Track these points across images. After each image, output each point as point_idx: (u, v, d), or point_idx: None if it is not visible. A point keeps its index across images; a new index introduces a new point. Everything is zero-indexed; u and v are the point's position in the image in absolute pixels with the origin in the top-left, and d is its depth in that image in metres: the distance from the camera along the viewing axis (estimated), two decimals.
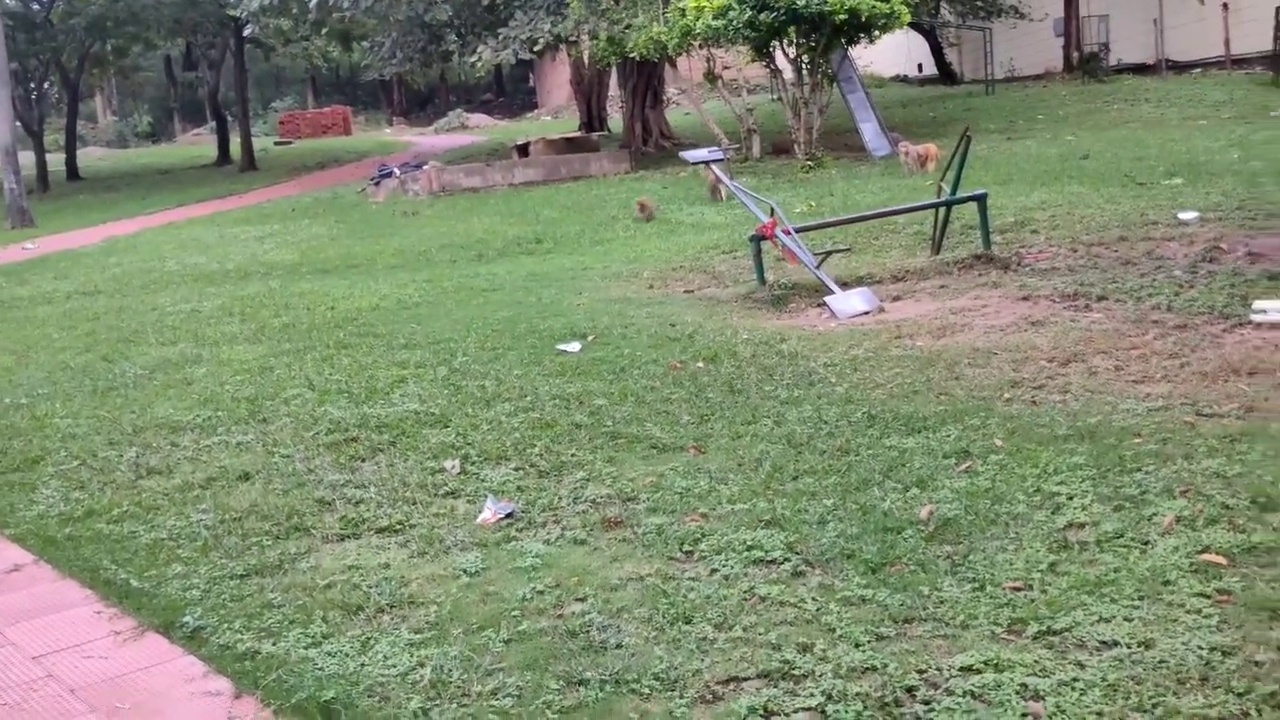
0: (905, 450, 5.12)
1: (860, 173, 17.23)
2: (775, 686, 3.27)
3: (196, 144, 48.87)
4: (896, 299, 8.60)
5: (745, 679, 3.33)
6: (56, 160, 39.17)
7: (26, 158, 32.22)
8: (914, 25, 30.07)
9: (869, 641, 3.46)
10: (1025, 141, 18.44)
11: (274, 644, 3.77)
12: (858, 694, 3.16)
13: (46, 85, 40.20)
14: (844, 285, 8.90)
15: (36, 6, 35.30)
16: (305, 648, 3.73)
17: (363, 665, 3.58)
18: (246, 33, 36.86)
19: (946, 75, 35.33)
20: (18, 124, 29.84)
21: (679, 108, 34.95)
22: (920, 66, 37.67)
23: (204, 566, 4.47)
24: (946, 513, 4.35)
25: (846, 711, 3.08)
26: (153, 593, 4.26)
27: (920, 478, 4.76)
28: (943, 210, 9.79)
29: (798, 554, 4.14)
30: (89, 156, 44.57)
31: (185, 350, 8.83)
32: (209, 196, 26.81)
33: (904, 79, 37.72)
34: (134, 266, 15.39)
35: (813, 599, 3.77)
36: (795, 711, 3.13)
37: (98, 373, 8.25)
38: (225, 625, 3.93)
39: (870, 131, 20.09)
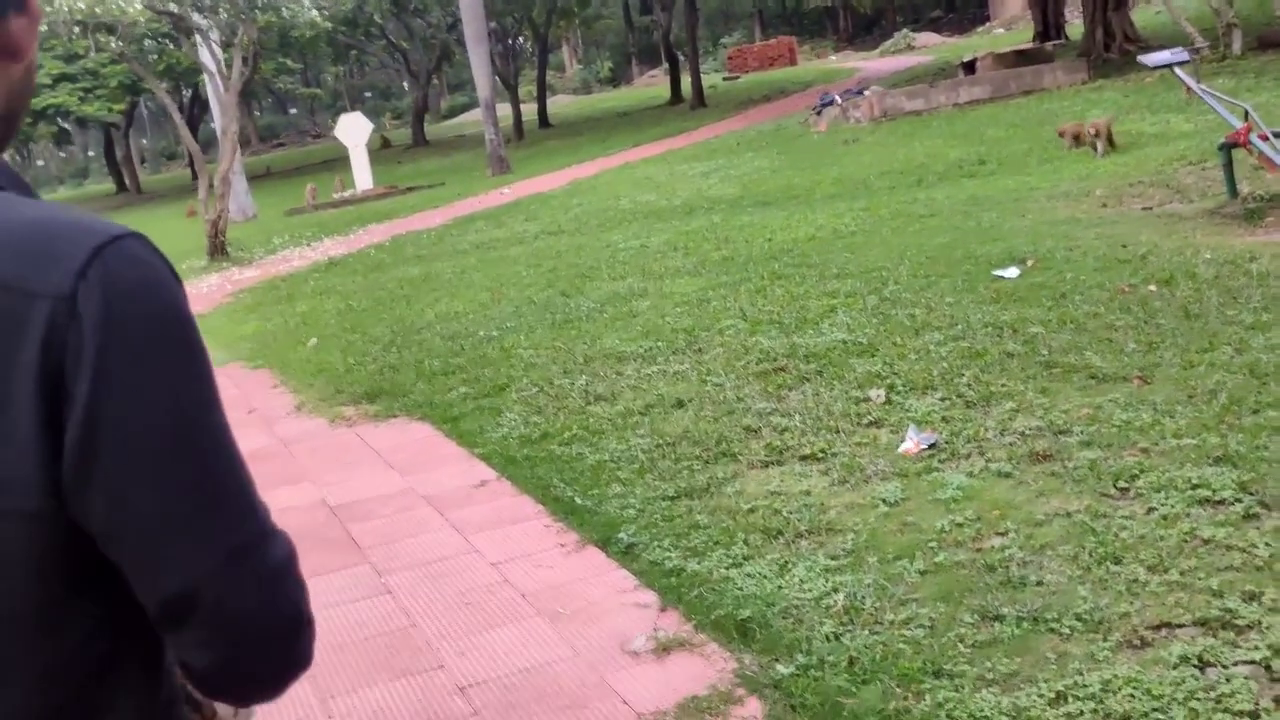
0: None
1: None
2: (1214, 636, 3.00)
3: (652, 85, 51.27)
4: None
5: (1179, 626, 3.09)
6: (529, 110, 42.63)
7: (503, 109, 35.36)
8: None
9: None
10: None
11: (698, 563, 3.97)
12: None
13: (520, 40, 43.77)
14: None
15: None
16: (726, 568, 3.90)
17: (779, 587, 3.68)
18: None
19: None
20: (496, 79, 32.74)
21: (1147, 6, 32.04)
22: None
23: (639, 487, 4.77)
24: None
25: None
26: (594, 510, 4.62)
27: None
28: None
29: (1252, 494, 3.75)
30: (557, 104, 48.12)
31: (633, 284, 9.38)
32: (661, 135, 28.08)
33: None
34: (592, 206, 16.50)
35: (1266, 544, 3.42)
36: (1235, 664, 2.87)
37: (556, 307, 8.97)
38: (655, 543, 4.19)
39: None
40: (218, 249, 16.99)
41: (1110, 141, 12.82)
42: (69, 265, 0.88)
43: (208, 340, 0.95)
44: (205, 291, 14.33)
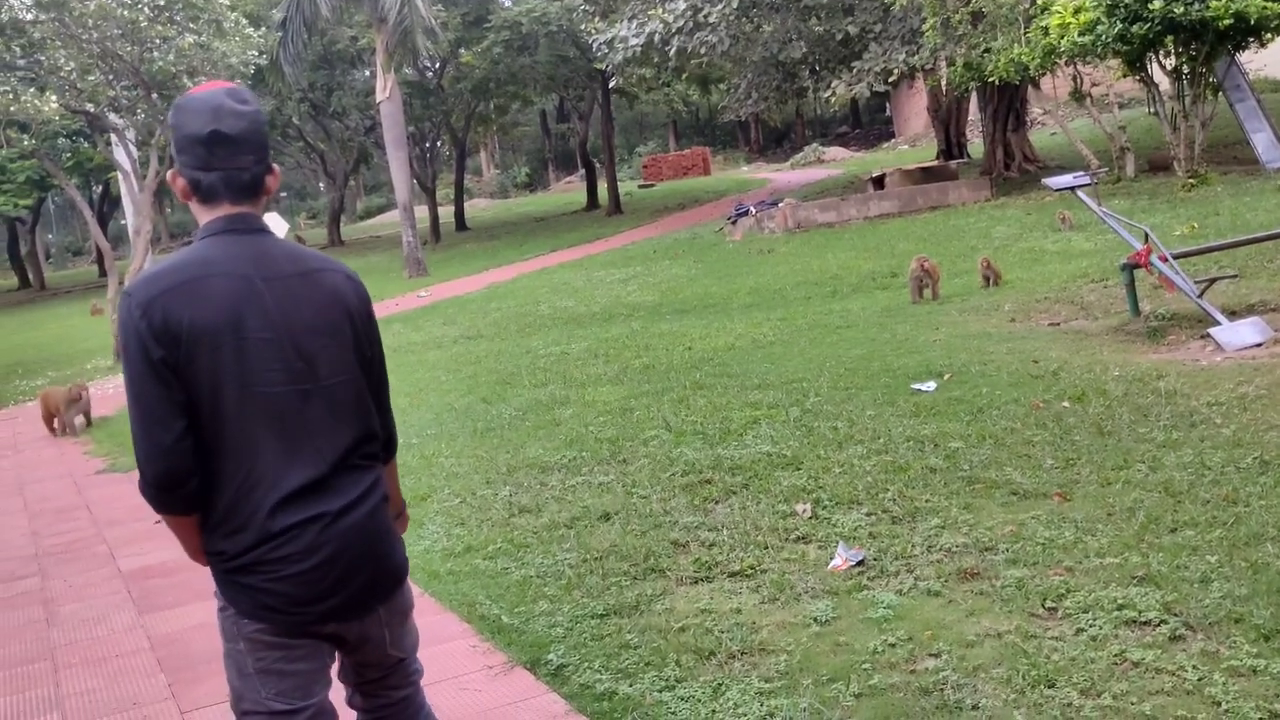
0: None
1: (1252, 188, 15.76)
2: None
3: (568, 191, 51.92)
4: None
5: None
6: (446, 212, 42.83)
7: (421, 211, 35.42)
8: None
9: (1261, 719, 3.12)
10: None
11: (630, 685, 3.89)
12: None
13: (438, 144, 44.11)
14: (1232, 315, 8.15)
15: (430, 74, 38.82)
16: (659, 690, 3.83)
17: (714, 712, 3.62)
18: (612, 84, 38.81)
19: None
20: (414, 181, 32.87)
21: (1044, 128, 33.46)
22: None
23: (567, 605, 4.69)
24: None
25: None
26: (521, 629, 4.52)
27: None
28: None
29: (1176, 615, 3.81)
30: (474, 208, 48.42)
31: (554, 392, 9.35)
32: (578, 241, 28.36)
33: None
34: (511, 310, 16.52)
35: (1194, 667, 3.46)
36: None
37: (477, 414, 8.90)
38: (585, 664, 4.10)
39: (1264, 142, 18.36)
40: None
41: (997, 278, 12.21)
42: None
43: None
44: (110, 393, 13.95)
